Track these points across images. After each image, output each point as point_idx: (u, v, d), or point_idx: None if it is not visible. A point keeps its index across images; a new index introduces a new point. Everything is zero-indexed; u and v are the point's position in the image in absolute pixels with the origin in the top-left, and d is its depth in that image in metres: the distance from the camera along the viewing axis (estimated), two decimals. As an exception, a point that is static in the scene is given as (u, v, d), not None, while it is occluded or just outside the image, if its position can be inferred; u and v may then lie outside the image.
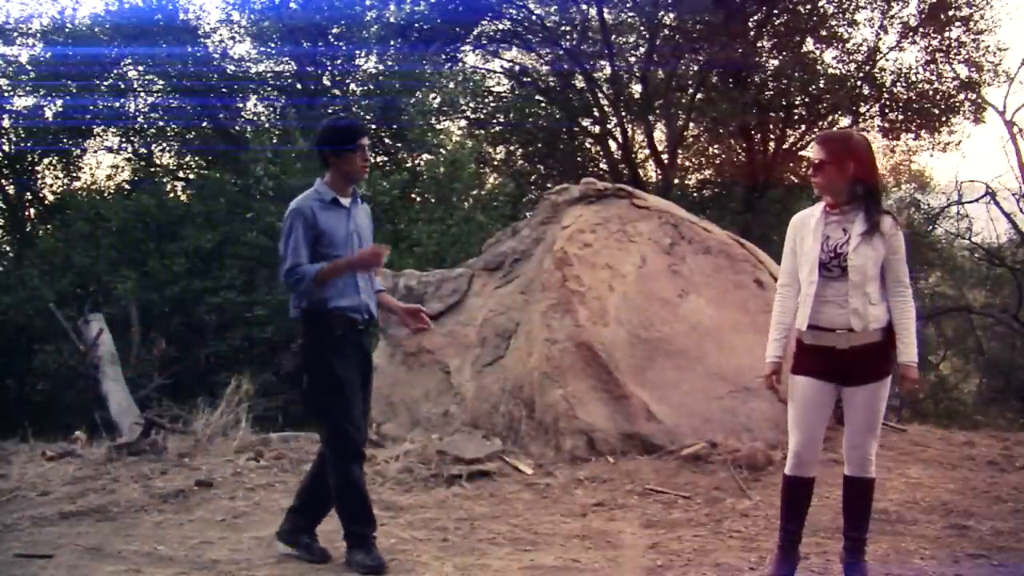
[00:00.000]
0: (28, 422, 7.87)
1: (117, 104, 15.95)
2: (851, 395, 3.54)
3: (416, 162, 16.69)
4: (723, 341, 6.22)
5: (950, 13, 15.73)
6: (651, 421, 5.85)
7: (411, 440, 6.09)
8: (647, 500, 5.08)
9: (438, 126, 17.62)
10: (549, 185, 12.61)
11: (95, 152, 17.51)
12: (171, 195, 15.63)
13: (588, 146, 19.48)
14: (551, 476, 5.52)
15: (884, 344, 3.50)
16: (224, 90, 15.73)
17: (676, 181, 17.88)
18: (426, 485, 5.41)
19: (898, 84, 16.46)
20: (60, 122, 15.93)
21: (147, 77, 16.63)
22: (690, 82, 17.46)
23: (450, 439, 5.95)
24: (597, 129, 18.71)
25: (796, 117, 17.21)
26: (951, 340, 19.22)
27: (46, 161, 17.03)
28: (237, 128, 16.25)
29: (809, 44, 16.56)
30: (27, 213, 17.46)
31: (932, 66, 16.27)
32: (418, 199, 15.89)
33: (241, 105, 16.74)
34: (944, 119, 16.26)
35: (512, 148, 19.60)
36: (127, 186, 16.52)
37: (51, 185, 17.44)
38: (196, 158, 17.27)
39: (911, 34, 16.30)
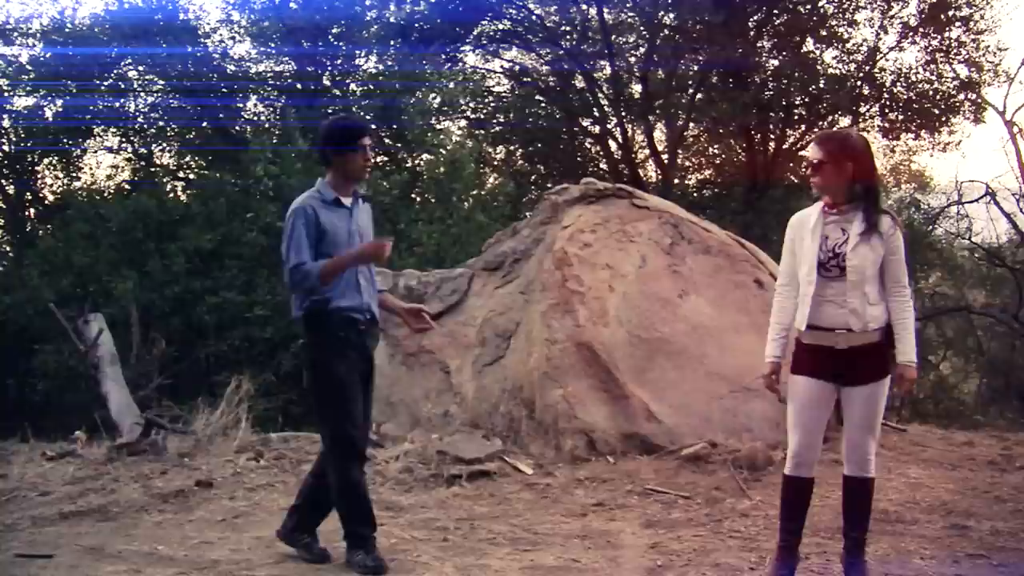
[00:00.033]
0: (28, 422, 7.89)
1: (117, 104, 15.89)
2: (850, 395, 3.54)
3: (416, 162, 16.65)
4: (723, 341, 6.22)
5: (950, 13, 15.73)
6: (651, 421, 5.86)
7: (411, 440, 6.10)
8: (647, 500, 5.09)
9: (438, 126, 17.58)
10: (549, 185, 12.59)
11: (95, 152, 17.46)
12: (171, 195, 15.57)
13: (588, 146, 19.48)
14: (551, 476, 5.53)
15: (883, 344, 3.51)
16: (224, 90, 15.68)
17: (676, 181, 17.89)
18: (426, 485, 5.41)
19: (898, 84, 16.46)
20: (60, 122, 15.86)
21: (147, 77, 16.58)
22: (690, 82, 17.46)
23: (450, 439, 5.96)
24: (597, 129, 18.70)
25: (796, 117, 17.20)
26: (951, 340, 19.16)
27: (46, 161, 16.97)
28: (237, 128, 16.20)
29: (809, 44, 16.57)
30: (27, 213, 17.40)
31: (932, 66, 16.28)
32: (418, 199, 15.85)
33: (241, 105, 16.68)
34: (944, 119, 16.25)
35: (512, 148, 19.59)
36: (127, 186, 16.46)
37: (51, 185, 17.38)
38: (196, 158, 17.21)
39: (911, 34, 16.30)
